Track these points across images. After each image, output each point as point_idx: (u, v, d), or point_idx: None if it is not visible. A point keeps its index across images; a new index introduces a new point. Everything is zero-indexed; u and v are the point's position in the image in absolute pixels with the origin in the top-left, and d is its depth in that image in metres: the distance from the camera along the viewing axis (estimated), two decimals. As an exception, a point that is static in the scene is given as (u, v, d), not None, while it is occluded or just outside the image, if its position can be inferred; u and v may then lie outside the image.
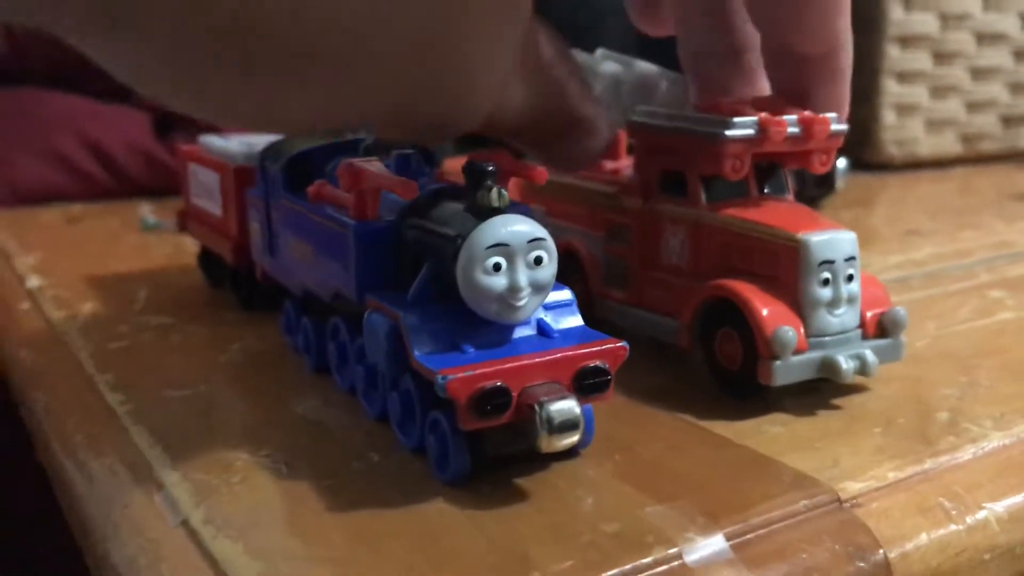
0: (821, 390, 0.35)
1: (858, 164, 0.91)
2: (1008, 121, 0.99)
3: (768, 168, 0.37)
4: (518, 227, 0.27)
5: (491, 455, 0.28)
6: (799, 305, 0.33)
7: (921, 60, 0.92)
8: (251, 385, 0.36)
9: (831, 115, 0.35)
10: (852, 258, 0.33)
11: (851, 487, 0.28)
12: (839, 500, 0.28)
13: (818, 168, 0.36)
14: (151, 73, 0.26)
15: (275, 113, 0.28)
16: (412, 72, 0.27)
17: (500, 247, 0.27)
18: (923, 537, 0.27)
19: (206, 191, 0.48)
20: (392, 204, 0.31)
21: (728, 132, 0.33)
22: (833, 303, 0.33)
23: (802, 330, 0.32)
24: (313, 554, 0.24)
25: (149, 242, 0.63)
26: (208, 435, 0.32)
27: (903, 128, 0.93)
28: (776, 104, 0.35)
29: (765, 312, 0.32)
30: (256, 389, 0.36)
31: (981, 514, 0.29)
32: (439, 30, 0.26)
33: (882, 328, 0.34)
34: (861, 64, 0.88)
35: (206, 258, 0.51)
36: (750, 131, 0.34)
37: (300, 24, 0.24)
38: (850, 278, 0.33)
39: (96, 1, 0.22)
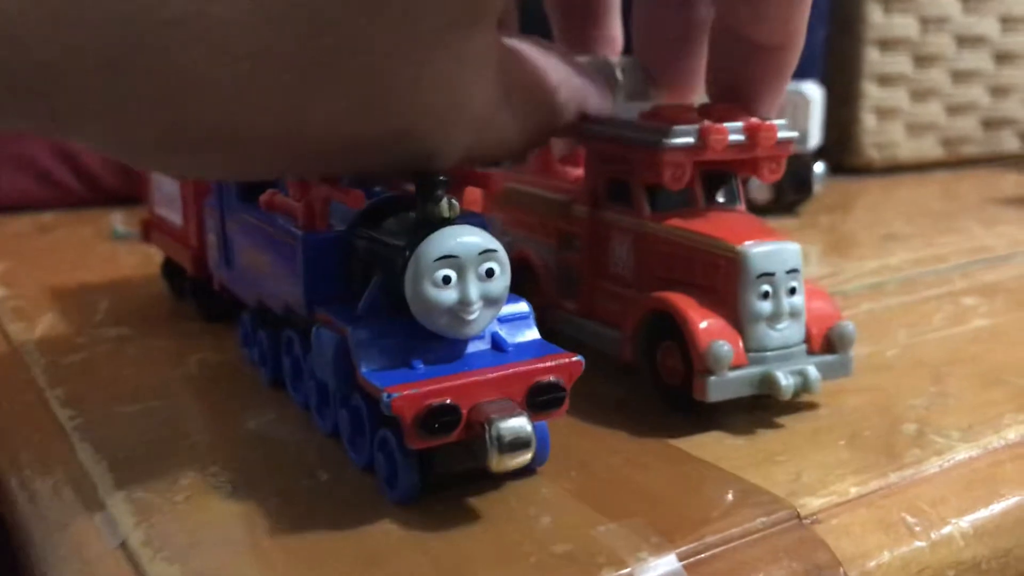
0: (783, 405, 0.34)
1: (838, 168, 0.90)
2: (989, 124, 0.99)
3: (718, 177, 0.36)
4: (468, 238, 0.26)
5: (441, 474, 0.27)
6: (738, 319, 0.32)
7: (901, 63, 0.91)
8: (205, 399, 0.36)
9: (778, 122, 0.34)
10: (795, 270, 0.32)
11: (811, 503, 0.27)
12: (798, 516, 0.27)
13: (768, 177, 0.35)
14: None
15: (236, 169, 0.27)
16: (362, 130, 0.26)
17: (449, 259, 0.26)
18: (885, 555, 0.27)
19: (168, 200, 0.47)
20: (345, 214, 0.30)
21: (667, 140, 0.33)
22: (774, 317, 0.32)
23: (741, 345, 0.32)
24: (251, 577, 0.24)
25: (118, 251, 0.62)
26: (156, 452, 0.31)
27: (883, 132, 0.92)
28: (722, 111, 0.34)
29: (702, 326, 0.31)
30: (210, 404, 0.35)
31: (945, 529, 0.28)
32: (378, 70, 0.24)
33: (829, 343, 0.33)
34: (841, 67, 0.89)
35: (169, 268, 0.50)
36: (690, 139, 0.33)
37: (231, 121, 0.23)
38: (792, 291, 0.32)
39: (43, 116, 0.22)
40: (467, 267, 0.26)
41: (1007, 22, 0.96)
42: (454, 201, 0.27)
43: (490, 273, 0.27)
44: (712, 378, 0.31)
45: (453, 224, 0.27)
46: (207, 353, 0.41)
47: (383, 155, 0.27)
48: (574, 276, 0.38)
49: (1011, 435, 0.32)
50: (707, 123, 0.34)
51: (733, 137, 0.34)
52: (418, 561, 0.24)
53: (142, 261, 0.58)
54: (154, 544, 0.25)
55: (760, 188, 0.71)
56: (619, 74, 0.39)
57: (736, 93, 0.35)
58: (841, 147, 0.92)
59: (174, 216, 0.46)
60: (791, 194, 0.71)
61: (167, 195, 0.47)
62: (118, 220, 0.69)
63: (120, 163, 0.74)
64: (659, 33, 0.38)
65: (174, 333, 0.44)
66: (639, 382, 0.36)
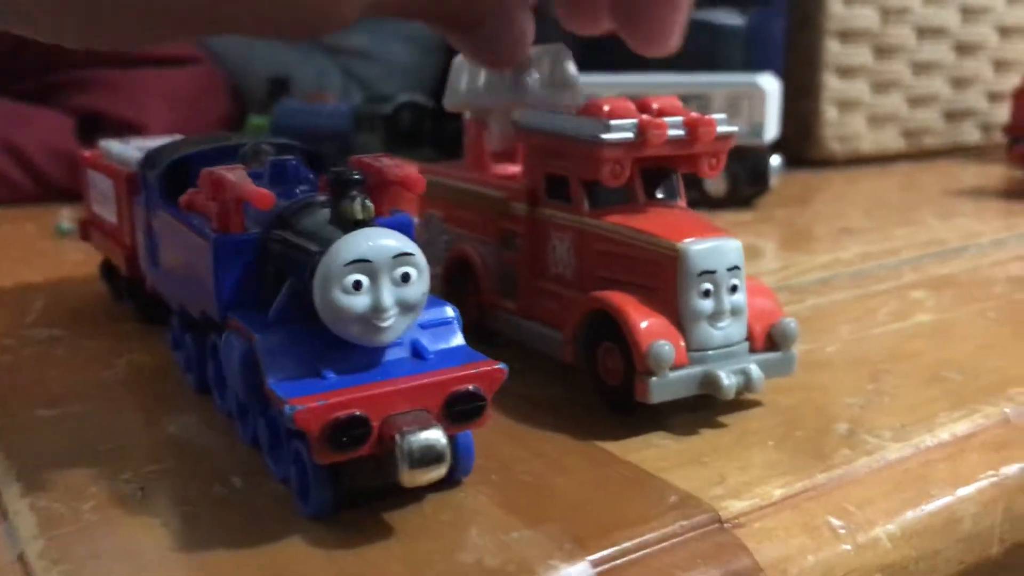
0: (717, 403, 0.33)
1: (800, 161, 0.90)
2: (951, 116, 0.99)
3: (659, 173, 0.35)
4: (381, 241, 0.25)
5: (354, 489, 0.26)
6: (679, 318, 0.31)
7: (862, 55, 0.91)
8: (128, 403, 0.35)
9: (718, 116, 0.34)
10: (736, 268, 0.32)
11: (734, 506, 0.27)
12: (720, 520, 0.26)
13: (708, 172, 0.34)
14: None
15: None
16: None
17: (361, 263, 0.25)
18: (808, 558, 0.26)
19: (103, 198, 0.46)
20: (262, 216, 0.30)
21: (605, 136, 0.32)
22: (715, 315, 0.32)
23: (682, 344, 0.31)
24: (147, 591, 0.23)
25: (62, 249, 0.61)
26: (69, 458, 0.30)
27: (844, 124, 0.92)
28: (662, 106, 0.34)
29: (642, 326, 0.31)
30: (133, 407, 0.34)
31: (872, 532, 0.27)
32: None
33: (771, 341, 0.33)
34: (802, 59, 0.88)
35: (108, 268, 0.49)
36: (629, 135, 0.32)
37: None
38: (734, 289, 0.32)
39: None
40: (380, 272, 0.25)
41: (968, 13, 0.96)
42: (368, 202, 0.26)
43: (406, 278, 0.26)
44: (653, 379, 0.31)
45: (367, 226, 0.26)
46: (138, 355, 0.40)
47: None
48: (514, 275, 0.38)
49: (944, 434, 0.32)
50: (646, 117, 0.33)
51: (672, 132, 0.33)
52: (323, 573, 0.24)
53: (85, 259, 0.56)
54: (52, 555, 0.24)
55: (715, 182, 0.70)
56: (547, 61, 0.39)
57: (626, 23, 0.34)
58: (802, 140, 0.91)
59: (109, 214, 0.45)
60: (747, 187, 0.71)
61: (102, 192, 0.46)
62: (64, 217, 0.68)
63: (68, 157, 0.73)
64: None
65: (107, 334, 0.43)
66: (579, 384, 0.35)
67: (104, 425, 0.33)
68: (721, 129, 0.33)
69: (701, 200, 0.71)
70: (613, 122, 0.32)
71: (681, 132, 0.33)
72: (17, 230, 0.68)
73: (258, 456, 0.30)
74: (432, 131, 0.71)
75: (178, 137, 0.41)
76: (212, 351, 0.33)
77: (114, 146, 0.46)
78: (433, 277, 0.42)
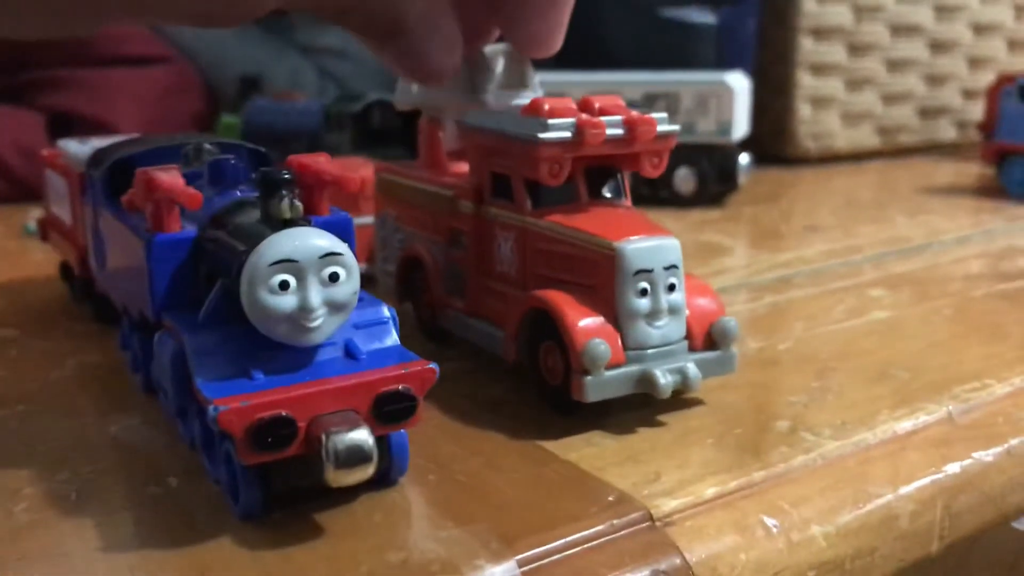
0: (660, 401, 0.33)
1: (774, 159, 0.90)
2: (925, 113, 0.99)
3: (603, 172, 0.35)
4: (309, 241, 0.25)
5: (282, 490, 0.26)
6: (617, 317, 0.31)
7: (836, 52, 0.91)
8: (74, 404, 0.35)
9: (658, 116, 0.34)
10: (674, 267, 0.32)
11: (667, 504, 0.27)
12: (651, 519, 0.26)
13: (649, 171, 0.34)
14: None
15: None
16: None
17: (287, 263, 0.25)
18: (740, 556, 0.26)
19: (59, 198, 0.46)
20: (200, 215, 0.30)
21: (542, 135, 0.32)
22: (653, 314, 0.32)
23: (619, 343, 0.31)
24: (69, 593, 0.23)
25: (28, 249, 0.61)
26: (7, 458, 0.30)
27: (819, 121, 0.92)
28: (603, 106, 0.34)
29: (579, 324, 0.31)
30: (77, 408, 0.34)
31: (807, 530, 0.28)
32: None
33: (711, 340, 0.33)
34: (775, 57, 0.89)
35: (67, 268, 0.49)
36: (566, 134, 0.32)
37: None
38: (672, 287, 0.32)
39: None
40: (307, 271, 0.25)
41: (941, 11, 0.96)
42: (296, 201, 0.26)
43: (334, 277, 0.26)
44: (589, 378, 0.31)
45: (296, 225, 0.26)
46: (89, 356, 0.40)
47: None
48: (462, 274, 0.38)
49: (884, 432, 0.32)
50: (584, 117, 0.33)
51: (611, 131, 0.33)
52: (247, 573, 0.24)
53: (48, 259, 0.56)
54: (-22, 558, 0.24)
55: (684, 180, 0.71)
56: (502, 61, 0.39)
57: (506, 25, 0.34)
58: (776, 137, 0.91)
59: (65, 214, 0.45)
60: (715, 186, 0.71)
61: (58, 192, 0.46)
62: (33, 217, 0.67)
63: (39, 157, 0.73)
64: None
65: (61, 335, 0.43)
66: (524, 384, 0.36)
67: (46, 426, 0.33)
68: (661, 128, 0.33)
69: (670, 198, 0.71)
70: (551, 121, 0.32)
71: (620, 131, 0.33)
72: (-16, 230, 0.68)
73: (197, 457, 0.30)
74: (402, 130, 0.71)
75: (131, 136, 0.41)
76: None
77: (71, 145, 0.46)
78: (388, 276, 0.43)
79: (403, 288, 0.41)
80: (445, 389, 0.34)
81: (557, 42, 0.35)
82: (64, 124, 0.80)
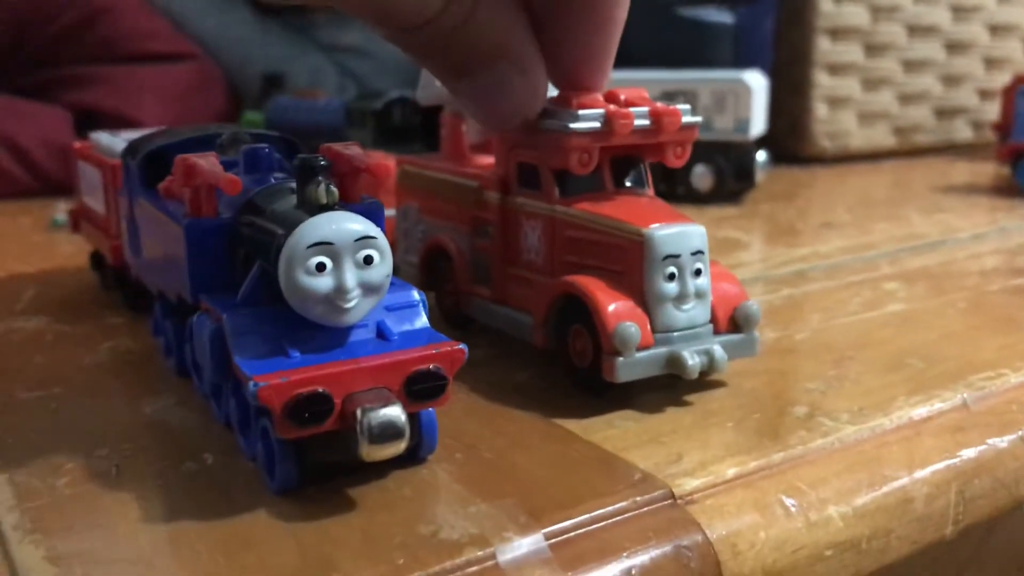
0: (682, 384, 0.34)
1: (790, 158, 0.91)
2: (941, 113, 0.99)
3: (626, 162, 0.36)
4: (344, 225, 0.26)
5: (317, 464, 0.27)
6: (645, 301, 0.32)
7: (852, 52, 0.92)
8: (109, 386, 0.36)
9: (683, 107, 0.34)
10: (700, 252, 0.33)
11: (688, 483, 0.28)
12: (673, 497, 0.27)
13: (673, 161, 0.35)
14: None
15: None
16: None
17: (324, 246, 0.26)
18: (760, 534, 0.27)
19: (92, 189, 0.47)
20: (236, 201, 0.31)
21: (573, 125, 0.33)
22: (680, 298, 0.33)
23: (648, 326, 0.32)
24: (114, 557, 0.24)
25: (56, 241, 0.62)
26: (48, 437, 0.31)
27: (835, 121, 0.93)
28: (629, 97, 0.34)
29: (609, 308, 0.32)
30: (113, 390, 0.35)
31: (824, 510, 0.28)
32: None
33: (735, 323, 0.34)
34: (792, 57, 0.89)
35: (98, 259, 0.50)
36: (596, 124, 0.33)
37: None
38: (698, 272, 0.33)
39: None
40: (343, 254, 0.26)
41: (958, 11, 0.96)
42: (332, 187, 0.27)
43: (368, 260, 0.27)
44: (620, 359, 0.32)
45: (332, 210, 0.27)
46: (122, 341, 0.41)
47: None
48: (488, 263, 0.39)
49: (900, 418, 0.33)
50: (612, 108, 0.34)
51: (638, 122, 0.34)
52: (285, 545, 0.24)
53: (77, 251, 0.57)
54: (25, 527, 0.25)
55: (702, 177, 0.71)
56: None
57: (554, 53, 0.32)
58: (793, 136, 0.92)
59: (97, 205, 0.46)
60: (732, 183, 0.72)
61: (91, 183, 0.47)
62: (60, 210, 0.69)
63: (66, 152, 0.74)
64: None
65: (93, 323, 0.44)
66: (548, 368, 0.36)
67: (83, 407, 0.34)
68: (685, 119, 0.34)
69: (687, 195, 0.72)
70: (581, 112, 0.33)
71: (647, 122, 0.34)
72: (11, 224, 0.69)
73: (231, 436, 0.31)
74: (422, 126, 0.72)
75: (164, 128, 0.42)
76: (190, 335, 0.34)
77: (103, 137, 0.47)
78: (411, 267, 0.44)
79: (426, 278, 0.42)
80: (470, 374, 0.35)
81: (602, 76, 0.34)
82: (89, 120, 0.81)
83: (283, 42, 0.95)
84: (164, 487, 0.28)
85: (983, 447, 0.32)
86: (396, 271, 0.46)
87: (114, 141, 0.45)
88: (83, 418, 0.33)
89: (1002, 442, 0.32)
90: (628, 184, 0.36)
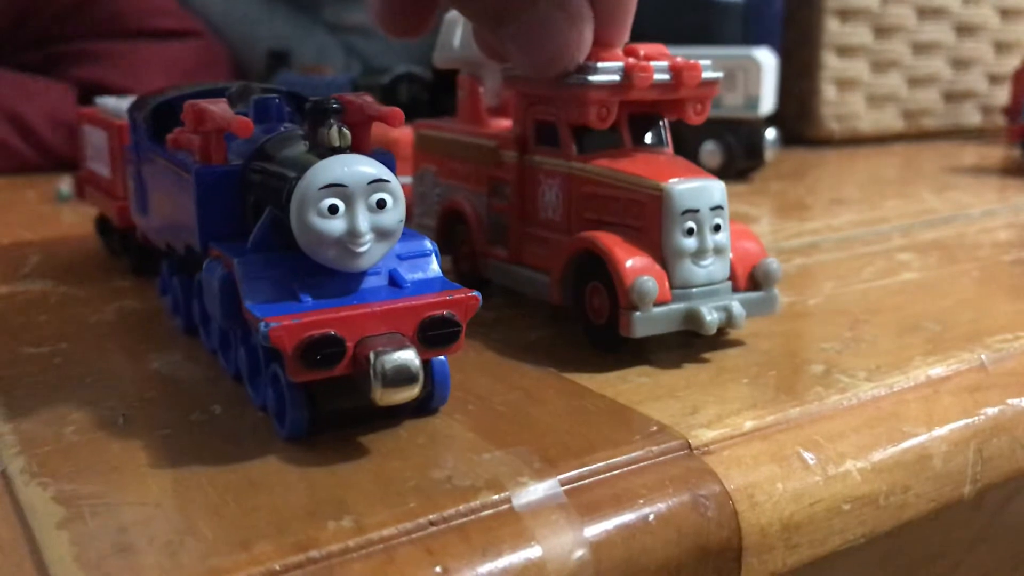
0: (697, 343, 0.34)
1: (798, 139, 0.90)
2: (950, 97, 0.99)
3: (646, 119, 0.35)
4: (357, 167, 0.26)
5: (328, 412, 0.27)
6: (664, 256, 0.32)
7: (861, 34, 0.91)
8: (115, 343, 0.35)
9: (703, 62, 0.34)
10: (719, 207, 0.32)
11: (704, 435, 0.27)
12: (689, 447, 0.27)
13: (693, 118, 0.35)
14: None
15: None
16: None
17: (336, 188, 0.25)
18: (777, 486, 0.27)
19: (97, 153, 0.47)
20: (246, 148, 0.30)
21: (592, 78, 0.32)
22: (699, 254, 0.32)
23: (666, 281, 0.32)
24: (123, 500, 0.23)
25: (61, 212, 0.62)
26: (55, 388, 0.31)
27: (843, 103, 0.92)
28: (647, 52, 0.34)
29: (627, 263, 0.31)
30: (119, 347, 0.35)
31: (843, 464, 0.28)
32: None
33: (754, 281, 0.33)
34: (801, 38, 0.89)
35: (103, 224, 0.50)
36: (615, 77, 0.33)
37: None
38: (717, 228, 0.32)
39: None
40: (356, 197, 0.26)
41: (968, -6, 0.96)
42: (345, 129, 0.27)
43: (381, 204, 0.26)
44: (637, 314, 0.31)
45: (343, 153, 0.26)
46: (128, 302, 0.40)
47: None
48: (504, 223, 0.38)
49: (918, 376, 0.32)
50: (631, 61, 0.33)
51: (658, 76, 0.33)
52: (295, 487, 0.24)
53: (82, 221, 0.57)
54: (32, 470, 0.25)
55: (711, 154, 0.71)
56: None
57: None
58: (801, 118, 0.91)
59: (103, 169, 0.46)
60: (742, 160, 0.71)
61: (96, 148, 0.47)
62: (64, 183, 0.68)
63: (70, 126, 0.74)
64: None
65: (99, 285, 0.43)
66: (562, 327, 0.36)
67: (90, 361, 0.33)
68: (706, 74, 0.34)
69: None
70: (600, 65, 0.33)
71: (667, 76, 0.33)
72: (18, 197, 0.69)
73: (240, 388, 0.30)
74: (429, 102, 0.72)
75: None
76: (198, 291, 0.34)
77: (109, 101, 0.47)
78: (428, 230, 0.43)
79: (443, 240, 0.42)
80: (483, 333, 0.35)
81: (624, 31, 0.34)
82: (93, 96, 0.81)
83: (288, 21, 0.95)
84: (172, 435, 0.27)
85: (1002, 407, 0.32)
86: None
87: (120, 104, 0.45)
88: (89, 372, 0.32)
89: (1021, 402, 0.32)
90: (647, 142, 0.36)
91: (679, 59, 0.34)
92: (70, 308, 0.40)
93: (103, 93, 0.80)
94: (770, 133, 0.72)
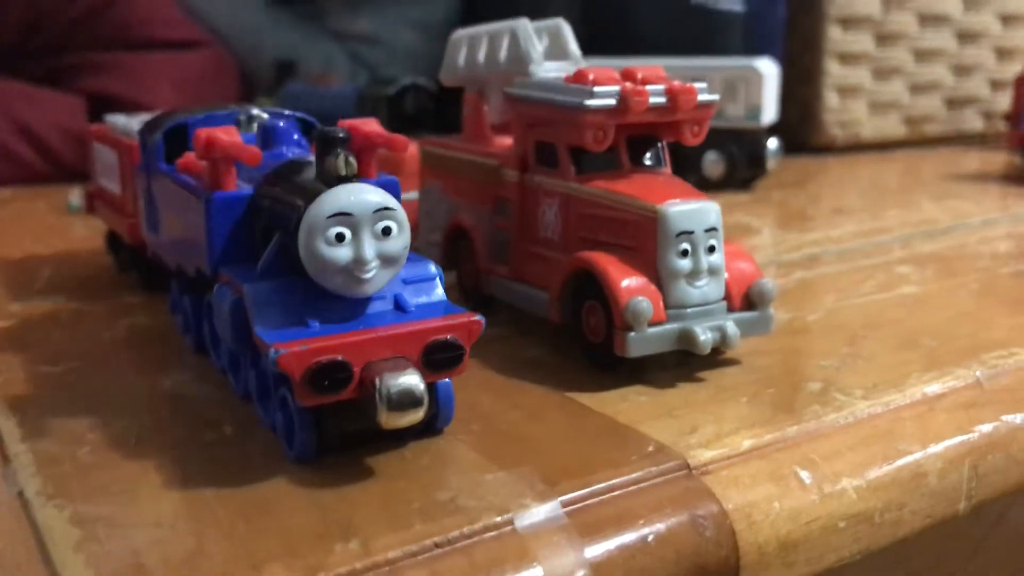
0: (695, 361, 0.34)
1: (800, 146, 0.91)
2: (952, 103, 0.99)
3: (644, 140, 0.36)
4: (363, 196, 0.27)
5: (336, 433, 0.27)
6: (659, 277, 0.32)
7: (863, 41, 0.92)
8: (127, 361, 0.36)
9: (699, 85, 0.35)
10: (714, 229, 0.33)
11: (703, 455, 0.28)
12: (688, 467, 0.27)
13: (690, 140, 0.35)
14: None
15: None
16: None
17: (343, 216, 0.26)
18: (774, 505, 0.27)
19: (108, 170, 0.47)
20: (255, 174, 0.31)
21: (588, 102, 0.33)
22: (693, 274, 0.33)
23: (661, 302, 0.32)
24: (137, 521, 0.24)
25: (71, 225, 0.63)
26: (68, 408, 0.31)
27: (846, 110, 0.92)
28: (645, 76, 0.35)
29: (622, 283, 0.32)
30: (131, 365, 0.36)
31: (838, 483, 0.28)
32: None
33: (749, 301, 0.34)
34: (803, 45, 0.89)
35: (113, 240, 0.50)
36: (611, 101, 0.33)
37: None
38: (712, 249, 0.33)
39: None
40: (362, 225, 0.26)
41: (969, 1, 0.96)
42: (351, 158, 0.27)
43: (387, 232, 0.27)
44: (632, 334, 0.32)
45: (350, 182, 0.27)
46: (139, 319, 0.41)
47: None
48: (506, 241, 0.39)
49: (914, 394, 0.33)
50: (628, 85, 0.34)
51: (654, 99, 0.34)
52: (304, 509, 0.25)
53: (93, 234, 0.58)
54: (48, 492, 0.26)
55: (713, 164, 0.71)
56: (542, 36, 0.40)
57: None
58: (803, 125, 0.92)
59: (113, 186, 0.47)
60: (744, 170, 0.72)
61: (107, 165, 0.48)
62: (75, 195, 0.69)
63: (80, 138, 0.74)
64: None
65: (110, 301, 0.44)
66: (563, 344, 0.37)
67: (103, 380, 0.34)
68: (702, 97, 0.34)
69: (699, 182, 0.72)
70: (597, 89, 0.33)
71: (662, 99, 0.34)
72: (28, 208, 0.70)
73: (249, 408, 0.31)
74: (434, 113, 0.72)
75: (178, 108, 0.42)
76: (208, 311, 0.34)
77: (119, 120, 0.47)
78: (434, 245, 0.44)
79: (448, 257, 0.42)
80: (486, 351, 0.35)
81: None
82: (102, 107, 0.82)
83: (294, 30, 0.95)
84: (184, 456, 0.28)
85: (997, 423, 0.32)
86: (417, 252, 0.46)
87: (130, 122, 0.46)
88: (103, 390, 0.33)
89: (1016, 419, 0.33)
90: (646, 163, 0.36)
91: (676, 83, 0.34)
92: (83, 324, 0.40)
93: (112, 104, 0.81)
94: (772, 142, 0.72)
